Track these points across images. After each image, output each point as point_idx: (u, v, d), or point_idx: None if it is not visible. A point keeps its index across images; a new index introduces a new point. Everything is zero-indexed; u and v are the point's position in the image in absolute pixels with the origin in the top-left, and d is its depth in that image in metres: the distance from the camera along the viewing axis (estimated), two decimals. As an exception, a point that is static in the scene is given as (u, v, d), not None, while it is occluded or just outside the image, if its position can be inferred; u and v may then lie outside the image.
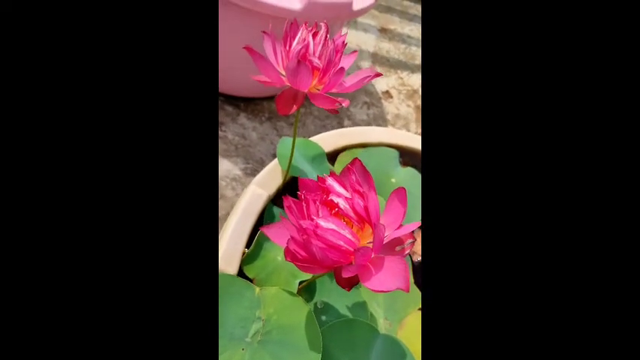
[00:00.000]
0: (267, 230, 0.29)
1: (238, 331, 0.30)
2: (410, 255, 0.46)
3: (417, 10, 1.15)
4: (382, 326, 0.38)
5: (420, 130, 0.83)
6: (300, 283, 0.38)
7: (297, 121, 0.37)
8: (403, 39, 1.04)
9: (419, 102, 0.89)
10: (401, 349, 0.34)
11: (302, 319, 0.31)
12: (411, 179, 0.51)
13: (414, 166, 0.52)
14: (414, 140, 0.54)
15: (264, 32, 0.33)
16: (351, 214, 0.27)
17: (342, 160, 0.50)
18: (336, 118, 0.80)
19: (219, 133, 0.72)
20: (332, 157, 0.49)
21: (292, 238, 0.26)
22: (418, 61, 0.99)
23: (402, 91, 0.90)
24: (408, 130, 0.83)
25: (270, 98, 0.77)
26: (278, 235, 0.28)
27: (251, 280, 0.37)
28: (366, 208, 0.26)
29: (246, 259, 0.38)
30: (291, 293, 0.32)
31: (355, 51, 0.35)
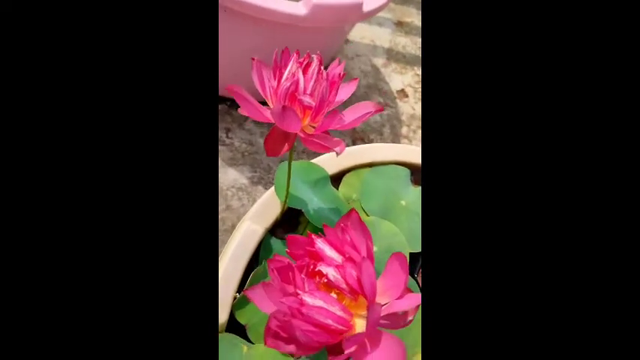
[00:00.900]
0: (251, 294, 0.26)
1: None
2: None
3: None
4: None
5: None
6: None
7: (291, 157, 0.33)
8: (420, 33, 0.98)
9: (436, 101, 0.84)
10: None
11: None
12: (422, 201, 0.47)
13: (426, 185, 0.48)
14: (426, 157, 0.49)
15: (252, 59, 0.30)
16: (343, 285, 0.23)
17: (348, 182, 0.46)
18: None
19: (225, 140, 0.69)
20: (337, 178, 0.46)
21: (274, 315, 0.23)
22: (436, 55, 0.94)
23: (418, 89, 0.85)
24: (424, 134, 0.79)
25: (278, 102, 0.73)
26: (263, 300, 0.25)
27: (243, 326, 0.34)
28: (359, 281, 0.23)
29: (238, 304, 0.35)
30: (281, 354, 0.29)
31: (356, 78, 0.31)
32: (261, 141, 0.70)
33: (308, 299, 0.22)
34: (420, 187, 0.48)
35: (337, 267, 0.23)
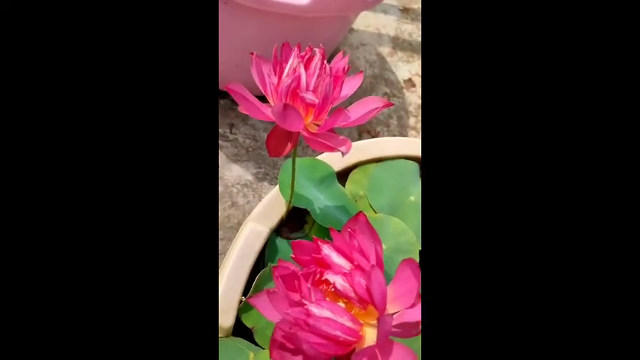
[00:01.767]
0: (255, 301, 0.25)
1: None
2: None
3: (443, -17, 1.06)
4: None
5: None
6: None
7: (294, 155, 0.32)
8: (427, 18, 0.95)
9: (444, 91, 0.82)
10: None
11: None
12: (432, 196, 0.45)
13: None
14: (436, 150, 0.48)
15: (251, 53, 0.28)
16: (351, 294, 0.22)
17: (355, 179, 0.44)
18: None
19: (229, 135, 0.68)
20: (343, 175, 0.44)
21: (279, 326, 0.22)
22: (444, 43, 0.91)
23: (425, 78, 0.83)
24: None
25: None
26: (268, 308, 0.24)
27: (250, 330, 0.33)
28: (368, 290, 0.22)
29: (244, 307, 0.34)
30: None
31: (361, 72, 0.30)
32: (266, 136, 0.68)
33: (315, 310, 0.21)
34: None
35: (345, 275, 0.22)
